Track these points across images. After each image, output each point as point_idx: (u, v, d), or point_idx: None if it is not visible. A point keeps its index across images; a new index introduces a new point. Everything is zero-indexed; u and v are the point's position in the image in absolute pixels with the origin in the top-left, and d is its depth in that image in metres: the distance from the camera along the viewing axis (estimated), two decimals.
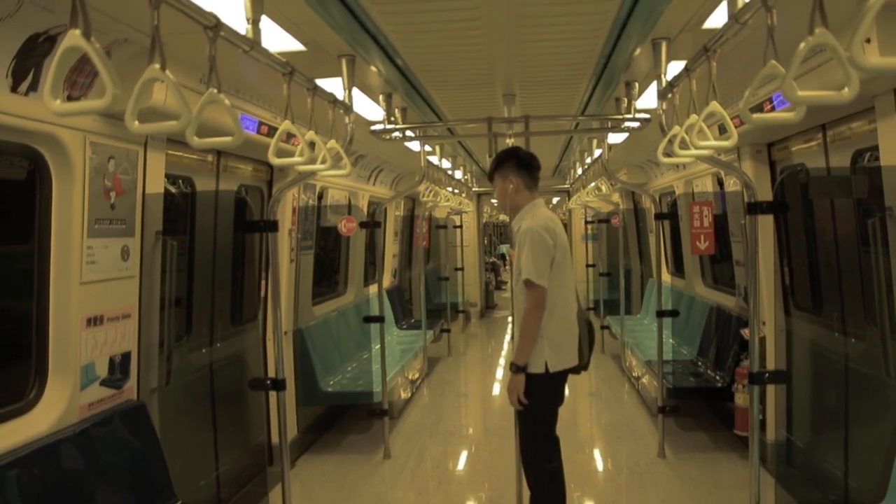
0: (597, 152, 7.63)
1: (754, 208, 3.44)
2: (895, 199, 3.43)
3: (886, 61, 1.42)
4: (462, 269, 12.76)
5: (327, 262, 7.80)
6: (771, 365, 5.11)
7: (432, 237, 11.91)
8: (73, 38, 1.59)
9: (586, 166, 8.83)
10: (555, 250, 3.79)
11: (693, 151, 2.89)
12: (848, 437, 4.35)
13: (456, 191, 10.70)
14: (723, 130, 4.75)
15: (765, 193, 5.13)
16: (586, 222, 12.20)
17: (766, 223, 5.20)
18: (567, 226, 14.81)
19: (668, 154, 3.31)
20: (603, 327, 10.24)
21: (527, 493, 4.17)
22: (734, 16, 2.24)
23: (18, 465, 2.83)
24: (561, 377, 3.92)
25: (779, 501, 4.65)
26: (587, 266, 11.86)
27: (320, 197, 6.64)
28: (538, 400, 3.85)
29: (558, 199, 16.12)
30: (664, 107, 3.53)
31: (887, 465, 3.34)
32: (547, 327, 3.78)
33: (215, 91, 2.14)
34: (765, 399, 5.24)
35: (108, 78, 1.58)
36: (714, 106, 2.60)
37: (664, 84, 3.42)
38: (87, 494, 3.13)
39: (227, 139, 2.17)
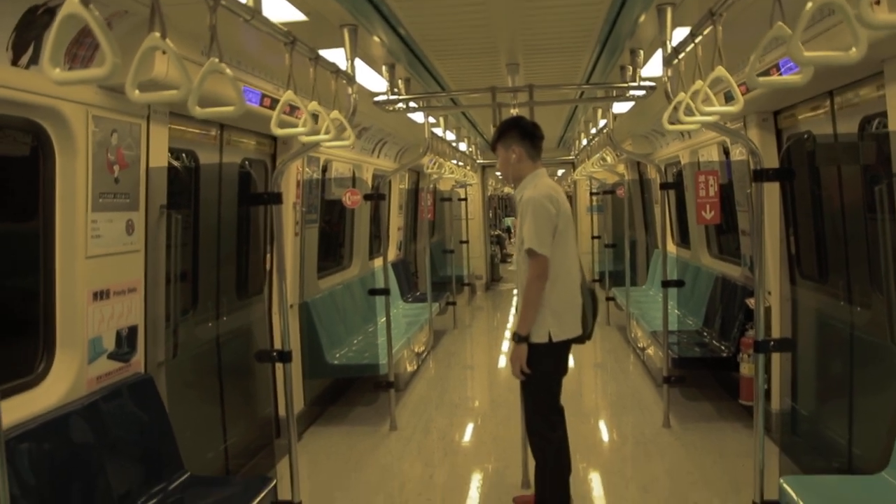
0: (602, 122, 7.58)
1: (760, 175, 3.41)
2: None
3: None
4: (467, 241, 12.76)
5: (332, 235, 7.80)
6: (776, 334, 5.10)
7: (437, 210, 11.89)
8: (72, 5, 1.57)
9: (591, 137, 8.78)
10: (557, 219, 3.79)
11: (698, 118, 2.87)
12: (852, 405, 4.36)
13: (460, 163, 10.66)
14: (729, 98, 4.73)
15: (771, 162, 5.09)
16: (591, 193, 12.17)
17: (771, 192, 5.17)
18: (572, 197, 14.78)
19: (673, 121, 3.28)
20: (608, 299, 10.25)
21: (532, 464, 4.21)
22: None
23: (29, 437, 2.86)
24: (564, 347, 3.93)
25: (783, 469, 4.67)
26: (592, 237, 11.85)
27: (324, 170, 6.62)
28: (542, 370, 3.86)
29: (563, 171, 16.06)
30: (669, 74, 3.49)
31: (891, 433, 3.36)
32: (550, 297, 3.78)
33: (217, 60, 2.12)
34: (769, 368, 5.24)
35: (107, 47, 1.57)
36: (720, 71, 2.58)
37: (669, 50, 3.38)
38: (96, 466, 3.16)
39: (229, 109, 2.16)
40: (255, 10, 2.46)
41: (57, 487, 2.93)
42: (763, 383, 3.58)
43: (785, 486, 3.31)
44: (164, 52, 1.87)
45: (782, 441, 5.16)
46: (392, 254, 9.91)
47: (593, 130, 8.53)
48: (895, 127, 3.45)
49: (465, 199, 12.69)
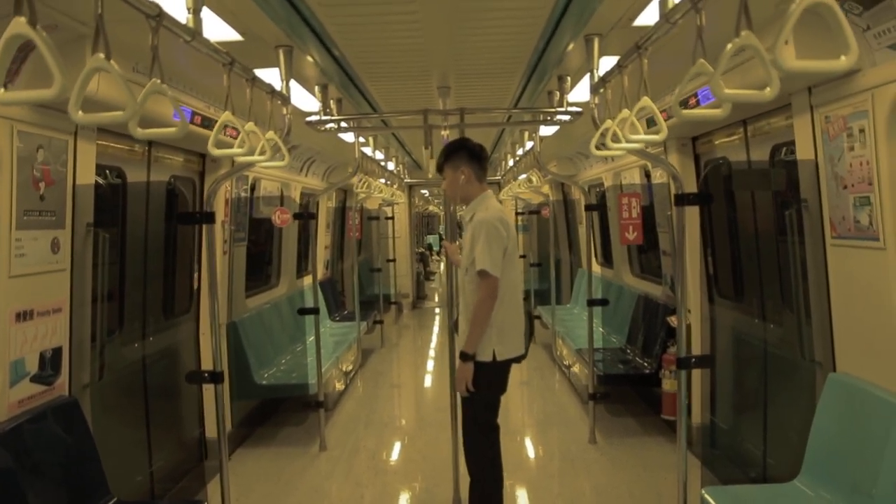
0: (529, 144, 7.76)
1: (681, 199, 3.59)
2: (809, 192, 3.64)
3: (805, 64, 1.53)
4: (394, 260, 12.79)
5: (260, 254, 7.72)
6: (696, 351, 5.32)
7: (364, 229, 11.90)
8: (18, 25, 1.56)
9: (518, 158, 8.96)
10: (507, 242, 3.89)
11: (624, 144, 3.01)
12: (767, 417, 4.59)
13: (388, 182, 10.71)
14: (651, 124, 4.95)
15: (690, 186, 5.34)
16: (517, 213, 12.38)
17: (691, 214, 5.41)
18: None
19: (600, 147, 3.42)
20: (534, 317, 10.43)
21: (464, 482, 4.26)
22: (665, 15, 2.35)
23: None
24: (507, 366, 4.02)
25: (704, 481, 4.86)
26: (519, 257, 12.04)
27: (253, 188, 6.56)
28: (485, 388, 3.93)
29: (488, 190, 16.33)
30: (596, 101, 3.64)
31: (802, 443, 3.55)
32: (496, 317, 3.87)
33: (158, 81, 2.12)
34: (690, 384, 5.46)
35: (55, 67, 1.57)
36: (645, 101, 2.72)
37: (596, 79, 3.53)
38: (19, 492, 3.05)
39: (171, 130, 2.16)
40: (196, 31, 2.47)
41: None
42: (686, 398, 3.74)
43: (706, 496, 3.46)
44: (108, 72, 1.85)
45: (703, 454, 5.37)
46: (320, 273, 9.86)
47: (520, 152, 8.71)
48: (802, 156, 3.69)
49: (392, 218, 12.74)
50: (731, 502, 3.39)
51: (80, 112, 1.85)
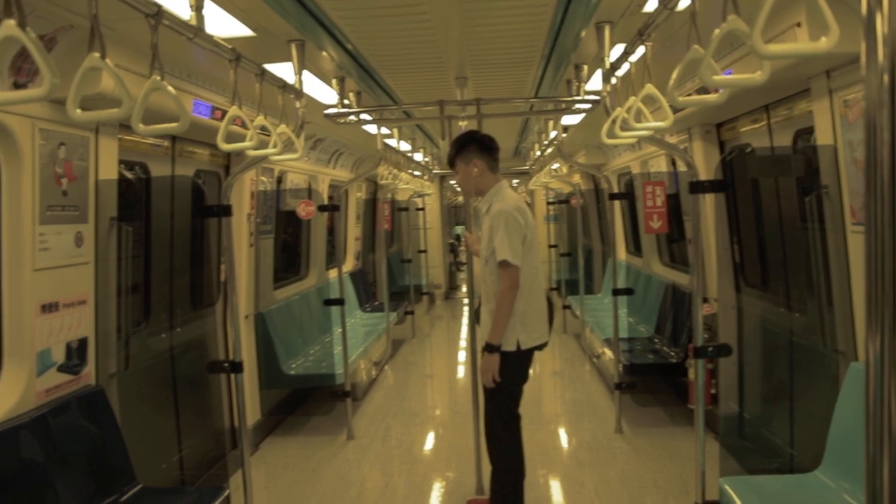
0: (553, 134, 7.72)
1: (696, 187, 3.55)
2: (830, 178, 3.57)
3: (783, 48, 1.51)
4: (425, 251, 12.84)
5: (289, 246, 7.82)
6: (722, 340, 5.26)
7: (395, 220, 11.96)
8: (8, 28, 1.62)
9: (543, 148, 8.93)
10: (525, 230, 3.89)
11: (632, 133, 2.98)
12: (792, 407, 4.52)
13: (417, 173, 10.74)
14: (672, 108, 4.89)
15: (716, 173, 5.28)
16: (548, 203, 12.33)
17: (717, 202, 5.35)
18: (530, 206, 14.96)
19: (611, 136, 3.40)
20: (564, 307, 10.39)
21: (486, 470, 4.28)
22: (663, 1, 2.32)
23: None
24: (530, 354, 4.02)
25: (728, 471, 4.81)
26: (549, 247, 12.00)
27: (279, 181, 6.65)
28: (508, 377, 3.94)
29: (517, 181, 16.26)
30: (608, 89, 3.62)
31: (825, 433, 3.50)
32: (518, 306, 3.87)
33: (158, 78, 2.17)
34: (717, 374, 5.41)
35: (45, 67, 1.62)
36: (649, 88, 2.69)
37: (608, 67, 3.50)
38: (45, 479, 3.16)
39: (173, 125, 2.21)
40: (198, 29, 2.51)
41: (5, 502, 2.92)
42: (703, 387, 3.71)
43: (724, 486, 3.44)
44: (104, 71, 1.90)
45: (730, 444, 5.32)
46: (350, 264, 9.95)
47: (546, 142, 8.68)
48: (823, 141, 3.62)
49: (423, 209, 12.78)
50: (749, 492, 3.36)
51: (79, 110, 1.90)
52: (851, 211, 3.43)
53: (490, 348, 3.85)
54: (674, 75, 2.17)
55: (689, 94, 4.26)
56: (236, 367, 3.83)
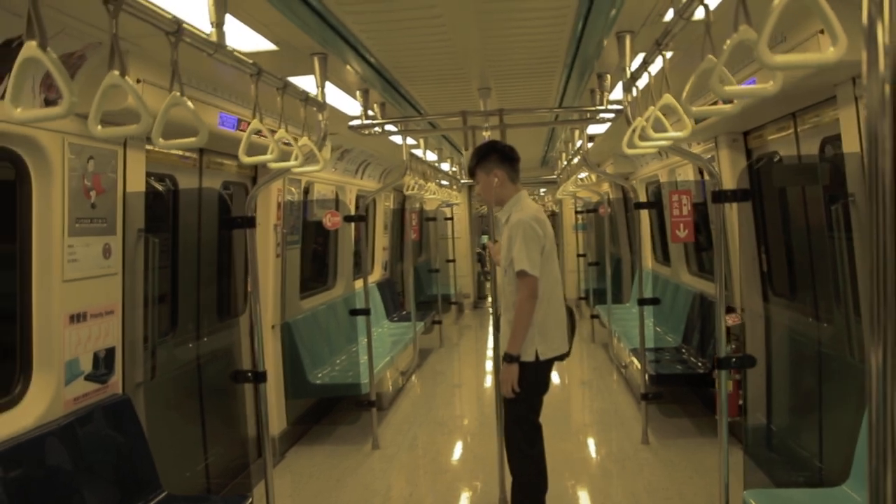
0: (579, 143, 7.70)
1: (719, 196, 3.52)
2: (857, 186, 3.52)
3: (788, 59, 1.50)
4: (453, 260, 12.85)
5: (317, 256, 7.88)
6: (750, 351, 5.20)
7: (423, 230, 12.00)
8: (30, 49, 1.67)
9: (569, 157, 8.91)
10: (544, 240, 3.89)
11: (651, 143, 2.97)
12: (821, 419, 4.45)
13: (444, 183, 10.77)
14: (696, 121, 4.86)
15: (742, 182, 5.23)
16: (576, 212, 12.28)
17: (744, 210, 5.29)
18: (558, 216, 14.91)
19: (631, 146, 3.39)
20: (592, 316, 10.33)
21: (509, 480, 4.27)
22: (678, 11, 2.32)
23: (5, 457, 2.92)
24: (549, 365, 4.02)
25: (755, 484, 4.74)
26: (578, 256, 11.95)
27: (306, 191, 6.71)
28: (527, 388, 3.94)
29: (545, 190, 16.22)
30: (629, 99, 3.61)
31: (852, 446, 3.44)
32: (537, 316, 3.87)
33: (178, 94, 2.21)
34: (744, 385, 5.34)
35: (64, 87, 1.67)
36: (667, 98, 2.69)
37: (629, 77, 3.50)
38: (73, 485, 3.23)
39: (192, 140, 2.25)
40: (219, 45, 2.56)
41: None
42: (725, 399, 3.67)
43: (748, 499, 3.40)
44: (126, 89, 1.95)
45: (756, 455, 5.24)
46: (378, 274, 10.00)
47: (573, 151, 8.66)
48: (849, 149, 3.57)
49: (451, 219, 12.81)
50: None
51: (99, 126, 1.95)
52: None
53: (509, 358, 3.85)
54: (688, 85, 2.16)
55: (714, 103, 4.25)
56: (259, 377, 3.88)
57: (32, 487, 3.02)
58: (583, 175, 9.89)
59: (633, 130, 3.29)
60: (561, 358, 4.10)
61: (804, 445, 4.64)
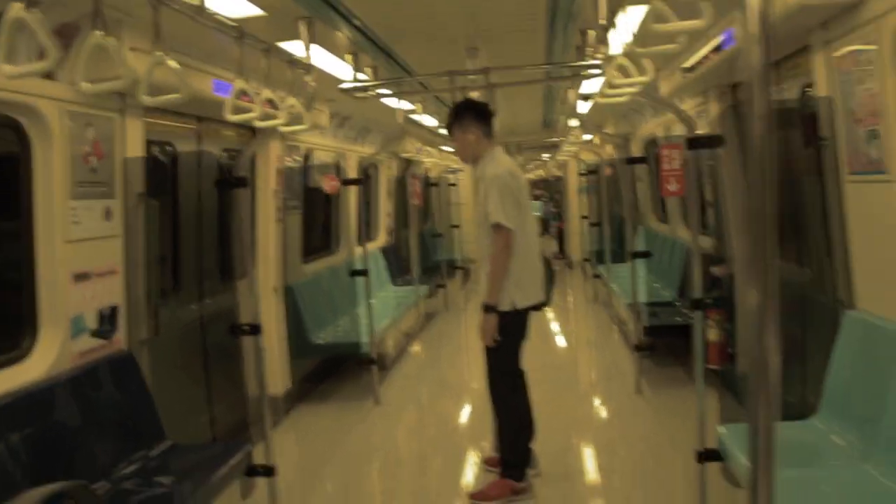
0: (578, 104, 7.77)
1: (693, 143, 3.64)
2: (828, 129, 3.62)
3: None
4: (458, 226, 12.98)
5: (320, 222, 8.03)
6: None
7: (427, 195, 12.11)
8: (15, 9, 1.81)
9: (569, 117, 8.98)
10: (519, 194, 4.03)
11: (621, 90, 3.09)
12: (800, 359, 4.58)
13: (447, 148, 10.85)
14: (687, 72, 4.94)
15: (732, 133, 5.32)
16: (579, 174, 12.35)
17: (730, 159, 5.38)
18: (562, 179, 14.98)
19: (604, 95, 3.50)
20: (595, 276, 10.46)
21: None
22: None
23: (15, 407, 3.11)
24: (526, 314, 4.17)
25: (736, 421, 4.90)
26: (582, 218, 12.05)
27: (306, 158, 6.84)
28: (506, 336, 4.09)
29: (548, 155, 16.22)
30: (606, 52, 3.70)
31: (823, 382, 3.58)
32: (513, 268, 4.01)
33: (160, 54, 2.35)
34: (734, 333, 5.47)
35: (48, 44, 1.81)
36: (628, 46, 2.79)
37: (602, 29, 3.59)
38: (80, 434, 3.41)
39: (176, 96, 2.39)
40: (201, 7, 2.69)
41: (42, 455, 3.17)
42: (702, 339, 3.82)
43: (721, 432, 3.57)
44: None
45: (742, 398, 5.38)
46: (382, 239, 10.16)
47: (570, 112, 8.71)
48: (823, 92, 3.66)
49: (455, 185, 12.91)
50: (744, 438, 3.46)
51: (84, 83, 2.10)
52: (847, 161, 3.48)
53: (487, 308, 4.00)
54: (636, 28, 2.27)
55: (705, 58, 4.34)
56: (255, 330, 4.05)
57: (43, 436, 3.21)
58: (587, 137, 9.95)
59: (606, 81, 3.40)
60: (538, 307, 4.25)
61: (784, 385, 4.78)
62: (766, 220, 1.18)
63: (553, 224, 20.19)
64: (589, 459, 4.93)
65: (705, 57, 4.48)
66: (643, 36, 2.37)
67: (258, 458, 4.08)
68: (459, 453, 5.15)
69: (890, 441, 2.90)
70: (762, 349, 1.20)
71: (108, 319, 3.80)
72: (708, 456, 3.64)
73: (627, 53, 2.81)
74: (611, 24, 3.34)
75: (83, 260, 3.60)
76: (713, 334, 5.57)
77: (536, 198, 23.54)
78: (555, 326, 9.46)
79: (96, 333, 3.71)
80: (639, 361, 6.05)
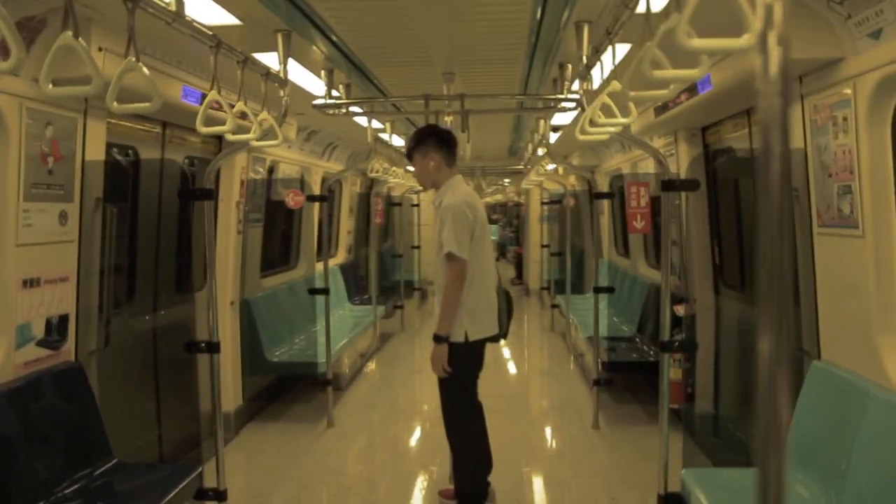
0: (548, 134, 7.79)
1: (668, 185, 3.63)
2: (800, 181, 3.65)
3: (703, 43, 1.57)
4: (419, 247, 12.91)
5: (280, 236, 7.89)
6: (699, 339, 5.35)
7: (388, 215, 12.02)
8: None
9: (534, 147, 9.01)
10: (475, 224, 3.99)
11: (600, 129, 3.06)
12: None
13: (412, 169, 10.78)
14: (659, 112, 4.97)
15: (695, 173, 5.38)
16: (542, 203, 12.40)
17: (698, 203, 5.43)
18: (524, 206, 15.03)
19: (583, 132, 3.48)
20: (553, 306, 10.47)
21: None
22: (624, 2, 2.40)
23: None
24: (480, 345, 4.12)
25: (698, 465, 4.90)
26: (542, 246, 12.08)
27: (271, 171, 6.72)
28: (459, 367, 4.03)
29: (508, 180, 16.28)
30: (585, 87, 3.69)
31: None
32: (466, 298, 3.97)
33: (133, 59, 2.25)
34: (694, 373, 5.49)
35: (13, 42, 1.70)
36: (615, 85, 2.77)
37: (583, 66, 3.58)
38: (21, 448, 3.24)
39: (146, 105, 2.29)
40: (177, 14, 2.59)
41: None
42: (667, 381, 3.79)
43: (685, 477, 3.54)
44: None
45: (702, 441, 5.40)
46: (341, 257, 10.03)
47: (538, 141, 8.75)
48: (796, 144, 3.69)
49: (418, 205, 12.86)
50: (707, 483, 3.45)
51: (50, 85, 1.98)
52: (818, 213, 3.51)
53: (437, 339, 3.94)
54: (629, 71, 2.24)
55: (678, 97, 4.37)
56: (213, 348, 3.92)
57: None
58: (552, 167, 9.98)
59: (586, 118, 3.37)
60: (493, 339, 4.20)
61: (745, 430, 4.80)
62: (784, 279, 1.10)
63: (511, 248, 20.27)
64: (542, 492, 4.86)
65: (677, 98, 4.52)
66: (627, 75, 2.34)
67: (208, 479, 3.93)
68: (411, 478, 5.06)
69: (856, 498, 2.90)
70: (774, 405, 1.13)
71: (56, 329, 3.64)
72: (669, 500, 3.60)
73: (613, 94, 2.78)
74: (592, 61, 3.33)
75: (33, 265, 3.44)
76: (672, 373, 5.58)
77: (494, 221, 23.66)
78: (508, 353, 9.42)
79: (43, 343, 3.54)
80: (597, 396, 6.02)
